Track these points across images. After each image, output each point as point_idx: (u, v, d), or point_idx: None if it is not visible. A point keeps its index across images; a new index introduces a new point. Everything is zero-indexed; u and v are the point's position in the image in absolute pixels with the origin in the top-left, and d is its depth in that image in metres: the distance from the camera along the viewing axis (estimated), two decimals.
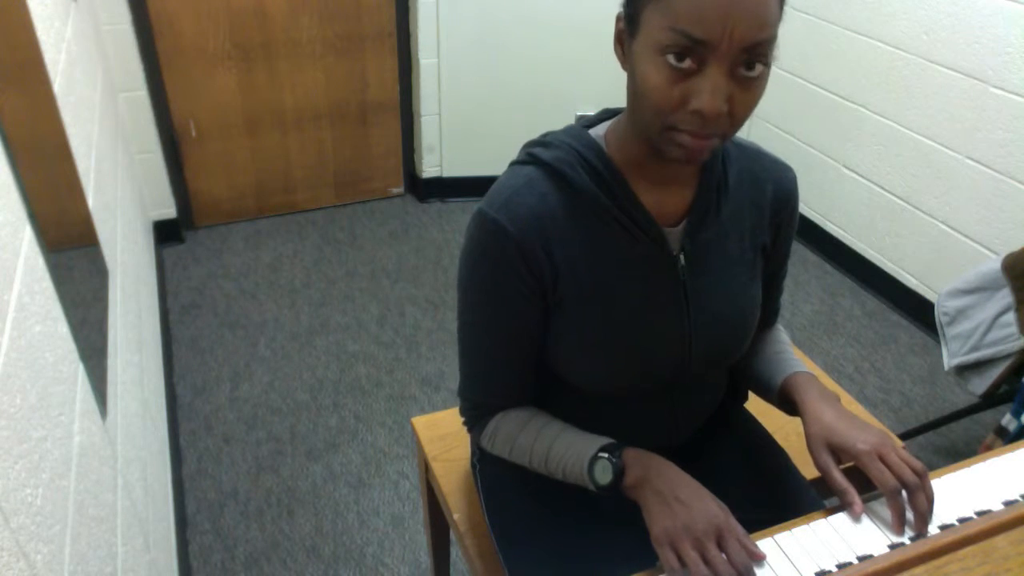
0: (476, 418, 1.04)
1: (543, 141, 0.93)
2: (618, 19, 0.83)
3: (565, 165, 0.88)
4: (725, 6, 0.71)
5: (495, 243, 0.88)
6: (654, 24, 0.75)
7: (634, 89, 0.81)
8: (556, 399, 1.02)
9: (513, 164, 0.94)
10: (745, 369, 1.12)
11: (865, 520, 0.88)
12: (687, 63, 0.74)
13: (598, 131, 0.92)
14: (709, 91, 0.74)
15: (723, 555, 0.80)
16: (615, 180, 0.88)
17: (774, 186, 0.98)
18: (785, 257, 1.07)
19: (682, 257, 0.93)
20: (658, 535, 0.83)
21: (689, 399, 1.04)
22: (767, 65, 0.76)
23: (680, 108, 0.76)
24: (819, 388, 0.97)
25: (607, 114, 0.95)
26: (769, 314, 1.13)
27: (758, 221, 0.98)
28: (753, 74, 0.75)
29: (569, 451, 0.94)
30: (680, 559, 0.81)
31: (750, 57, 0.74)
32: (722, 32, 0.72)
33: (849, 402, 1.42)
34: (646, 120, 0.80)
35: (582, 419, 0.99)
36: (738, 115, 0.77)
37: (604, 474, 0.90)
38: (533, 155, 0.91)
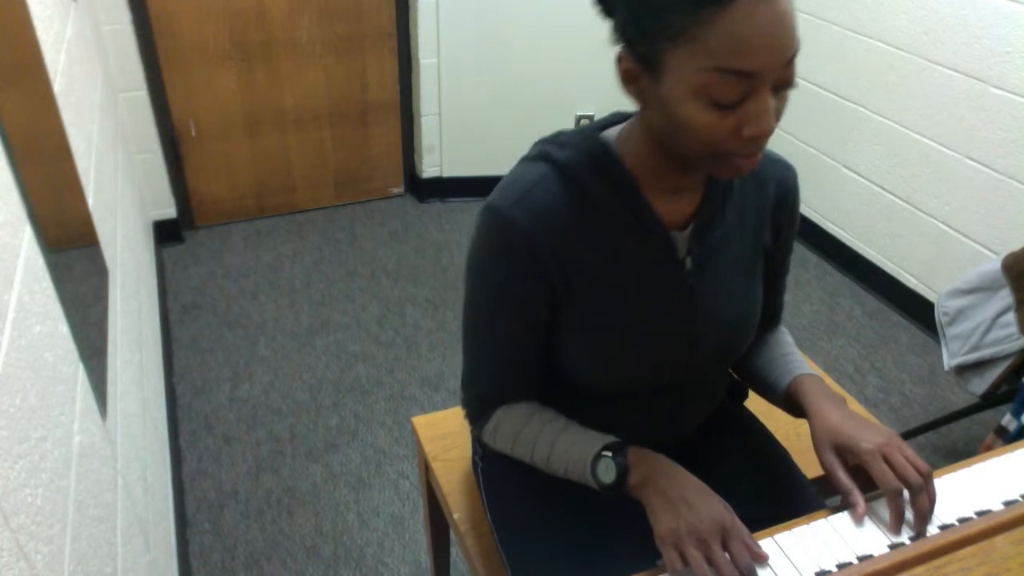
0: (478, 411, 1.04)
1: (556, 140, 0.92)
2: (620, 59, 0.80)
3: (577, 166, 0.88)
4: (770, 30, 0.70)
5: (506, 238, 0.88)
6: (685, 67, 0.73)
7: (670, 126, 0.79)
8: (559, 395, 1.02)
9: (525, 160, 0.93)
10: (751, 371, 1.12)
11: (865, 520, 0.88)
12: (735, 97, 0.73)
13: (610, 134, 0.92)
14: (765, 115, 0.74)
15: (727, 556, 0.80)
16: (626, 184, 0.88)
17: (776, 185, 0.98)
18: (786, 255, 1.07)
19: (689, 261, 0.93)
20: (662, 534, 0.83)
21: (691, 396, 1.05)
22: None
23: (733, 137, 0.75)
24: (826, 390, 0.98)
25: (619, 117, 0.94)
26: (773, 314, 1.13)
27: (761, 222, 0.99)
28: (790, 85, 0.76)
29: (572, 448, 0.94)
30: (683, 559, 0.81)
31: (786, 72, 0.74)
32: (769, 58, 0.71)
33: (849, 402, 1.42)
34: (691, 151, 0.79)
35: (585, 415, 0.99)
36: (776, 123, 0.77)
37: (607, 473, 0.90)
38: (546, 153, 0.91)
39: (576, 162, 0.88)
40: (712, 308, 0.96)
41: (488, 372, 1.01)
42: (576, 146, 0.89)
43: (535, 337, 0.96)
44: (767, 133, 0.75)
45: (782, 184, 0.99)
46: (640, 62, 0.78)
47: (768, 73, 0.72)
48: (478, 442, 1.19)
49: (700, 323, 0.96)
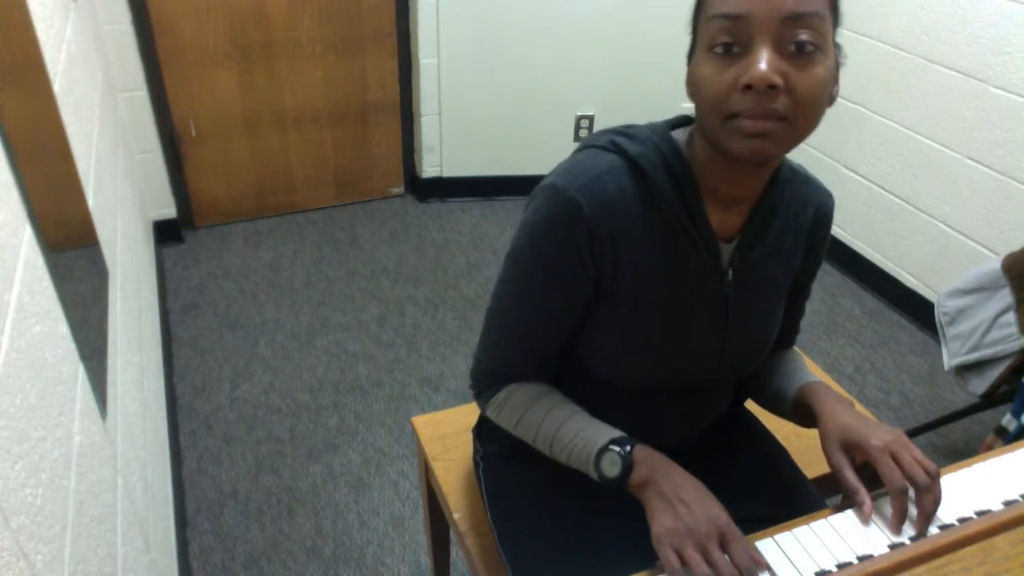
0: (487, 384, 1.03)
1: (627, 132, 0.91)
2: (687, 59, 0.85)
3: (648, 164, 0.88)
4: None
5: (566, 221, 0.87)
6: (701, 29, 0.80)
7: (696, 99, 0.82)
8: (572, 386, 1.02)
9: (591, 148, 0.92)
10: (761, 386, 1.12)
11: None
12: (735, 49, 0.76)
13: (678, 135, 0.92)
14: (755, 63, 0.74)
15: (725, 557, 0.80)
16: (690, 188, 0.88)
17: (814, 211, 1.00)
18: (810, 279, 1.08)
19: (730, 273, 0.94)
20: (659, 535, 0.83)
21: (701, 402, 1.05)
22: (819, 48, 0.77)
23: (733, 90, 0.76)
24: (834, 394, 0.99)
25: (685, 119, 0.94)
26: (788, 336, 1.13)
27: (796, 245, 1.00)
28: (805, 52, 0.76)
29: (578, 436, 0.94)
30: (681, 559, 0.81)
31: (795, 32, 0.75)
32: (758, 3, 0.74)
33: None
34: (709, 121, 0.80)
35: (592, 409, 0.99)
36: (799, 93, 0.76)
37: (611, 467, 0.90)
38: (617, 145, 0.90)
39: (647, 159, 0.88)
40: (741, 322, 0.97)
41: (509, 348, 1.00)
42: (648, 142, 0.89)
43: (568, 323, 0.96)
44: (759, 79, 0.74)
45: (820, 209, 1.00)
46: (691, 47, 0.83)
47: (758, 20, 0.74)
48: (478, 441, 1.19)
49: (728, 335, 0.96)
